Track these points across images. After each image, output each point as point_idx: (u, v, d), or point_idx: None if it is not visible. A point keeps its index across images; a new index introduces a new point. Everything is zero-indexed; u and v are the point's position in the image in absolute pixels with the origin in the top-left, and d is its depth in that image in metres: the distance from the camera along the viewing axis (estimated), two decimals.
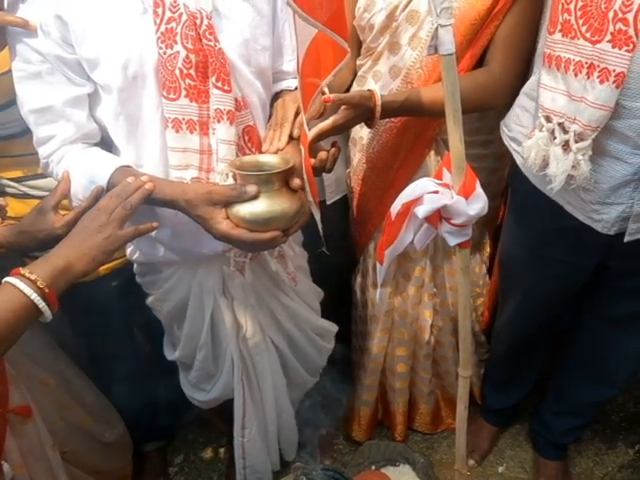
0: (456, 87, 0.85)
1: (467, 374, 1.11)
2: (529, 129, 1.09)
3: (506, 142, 1.22)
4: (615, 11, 0.86)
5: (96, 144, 1.05)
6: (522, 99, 1.16)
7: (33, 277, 0.75)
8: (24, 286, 0.75)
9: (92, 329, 1.36)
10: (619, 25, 0.86)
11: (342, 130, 1.14)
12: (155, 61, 0.94)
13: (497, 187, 1.48)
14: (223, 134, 0.99)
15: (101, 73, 0.95)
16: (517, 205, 1.29)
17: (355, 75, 1.41)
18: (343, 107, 1.10)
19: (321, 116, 1.11)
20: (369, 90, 1.15)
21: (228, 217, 0.93)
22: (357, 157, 1.47)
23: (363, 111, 1.13)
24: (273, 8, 1.08)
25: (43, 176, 1.13)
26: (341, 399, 1.71)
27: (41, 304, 0.76)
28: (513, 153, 1.19)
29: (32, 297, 0.75)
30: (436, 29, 0.80)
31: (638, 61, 0.88)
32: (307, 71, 0.99)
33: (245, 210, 0.92)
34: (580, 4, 0.90)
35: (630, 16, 0.85)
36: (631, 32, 0.86)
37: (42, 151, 1.02)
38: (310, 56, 0.98)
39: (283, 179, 0.95)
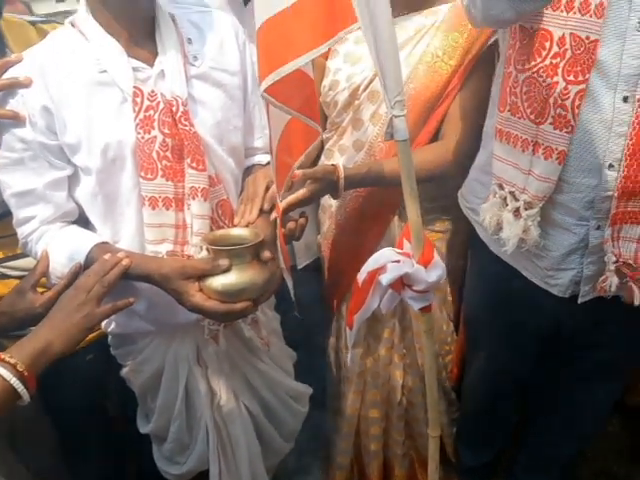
0: (411, 169, 0.93)
1: (436, 434, 1.13)
2: (485, 197, 1.19)
3: (465, 212, 1.30)
4: (555, 97, 0.96)
5: (74, 221, 1.08)
6: (477, 173, 1.25)
7: (13, 361, 0.77)
8: (4, 370, 0.76)
9: (64, 403, 1.34)
10: (559, 110, 0.97)
11: (309, 202, 1.21)
12: (133, 145, 1.00)
13: (460, 248, 1.56)
14: (198, 210, 1.05)
15: (82, 157, 1.00)
16: (477, 269, 1.36)
17: (322, 148, 1.51)
18: (309, 181, 1.18)
19: (289, 189, 1.18)
20: (332, 164, 1.24)
21: (201, 289, 0.98)
22: (327, 223, 1.54)
23: (328, 184, 1.20)
24: (244, 92, 1.17)
25: (22, 256, 1.16)
26: (316, 463, 1.69)
27: (20, 388, 0.77)
28: (472, 222, 1.28)
29: (12, 382, 0.76)
30: (391, 119, 0.88)
31: (577, 142, 0.98)
32: (282, 152, 1.06)
33: (217, 282, 0.97)
34: (525, 89, 1.01)
35: (568, 102, 0.96)
36: (569, 117, 0.96)
37: (21, 231, 1.05)
38: (284, 138, 1.06)
39: (254, 252, 1.01)
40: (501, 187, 1.10)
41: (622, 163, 0.95)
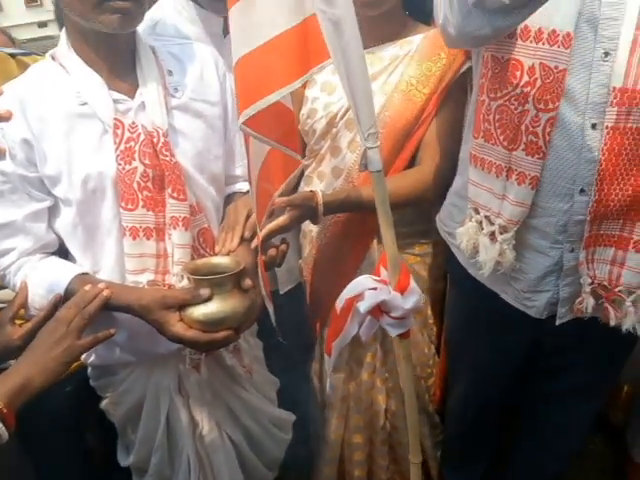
0: (385, 198, 0.96)
1: (418, 460, 1.14)
2: (462, 221, 1.21)
3: (443, 236, 1.33)
4: (526, 125, 1.00)
5: (54, 252, 1.07)
6: (454, 198, 1.28)
7: None
8: None
9: (42, 436, 1.31)
10: (531, 137, 1.00)
11: (290, 229, 1.23)
12: (114, 176, 1.01)
13: (439, 271, 1.59)
14: (179, 239, 1.05)
15: (62, 188, 1.00)
16: (456, 292, 1.38)
17: (301, 174, 1.53)
18: (288, 208, 1.19)
19: (270, 217, 1.19)
20: (311, 191, 1.26)
21: (182, 319, 0.98)
22: (307, 248, 1.55)
23: (307, 210, 1.22)
24: (224, 121, 1.19)
25: (0, 288, 1.14)
26: None
27: None
28: (451, 246, 1.30)
29: None
30: (364, 150, 0.91)
31: (549, 167, 1.02)
32: (263, 180, 1.08)
33: (198, 312, 0.97)
34: (498, 117, 1.04)
35: (539, 129, 0.99)
36: (541, 143, 1.00)
37: (0, 263, 1.04)
38: (265, 167, 1.08)
39: (235, 280, 1.02)
40: (477, 211, 1.13)
41: (593, 188, 0.99)
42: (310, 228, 1.52)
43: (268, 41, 0.85)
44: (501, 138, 1.03)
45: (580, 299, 1.07)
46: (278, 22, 0.85)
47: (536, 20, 0.92)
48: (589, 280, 1.05)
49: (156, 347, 1.09)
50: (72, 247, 1.06)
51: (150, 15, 1.29)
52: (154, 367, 1.16)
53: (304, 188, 1.50)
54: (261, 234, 1.12)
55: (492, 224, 1.09)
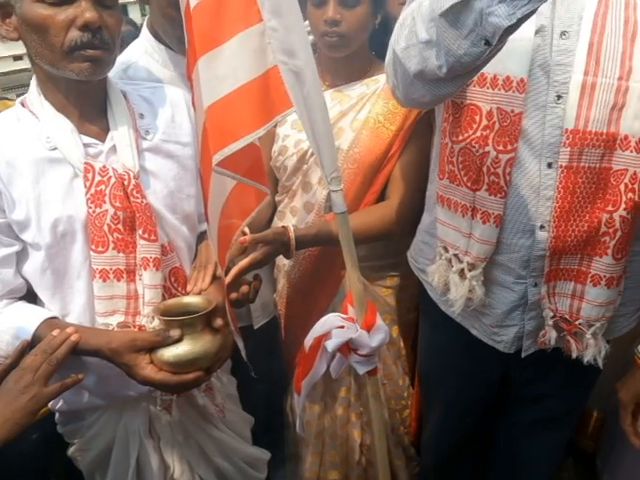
0: (350, 239, 0.99)
1: None
2: (432, 259, 1.24)
3: (415, 272, 1.35)
4: (488, 166, 1.04)
5: (21, 297, 1.06)
6: (424, 235, 1.31)
7: None
8: None
9: None
10: (492, 177, 1.04)
11: (262, 265, 1.24)
12: (84, 219, 1.01)
13: (410, 303, 1.61)
14: (149, 280, 1.05)
15: (31, 233, 0.99)
16: (428, 324, 1.40)
17: (275, 209, 1.55)
18: (260, 245, 1.21)
19: (243, 253, 1.20)
20: (283, 226, 1.28)
21: (152, 361, 0.98)
22: (281, 282, 1.56)
23: (279, 246, 1.24)
24: (196, 161, 1.20)
25: None
26: None
27: None
28: (422, 282, 1.32)
29: None
30: (329, 194, 0.94)
31: (511, 206, 1.06)
32: (226, 218, 1.09)
33: (169, 354, 0.97)
34: (461, 159, 1.08)
35: (500, 170, 1.03)
36: (502, 183, 1.04)
37: None
38: (228, 206, 1.09)
39: (206, 320, 1.02)
40: (446, 249, 1.16)
41: (551, 224, 1.03)
42: (284, 262, 1.54)
43: (231, 92, 0.87)
44: (465, 179, 1.07)
45: (543, 332, 1.10)
46: (239, 75, 0.88)
47: (491, 68, 0.97)
48: (551, 313, 1.08)
49: (126, 390, 1.08)
50: (40, 291, 1.04)
51: (122, 59, 1.31)
52: (124, 410, 1.14)
53: (277, 223, 1.52)
54: (232, 271, 1.13)
55: (461, 262, 1.12)
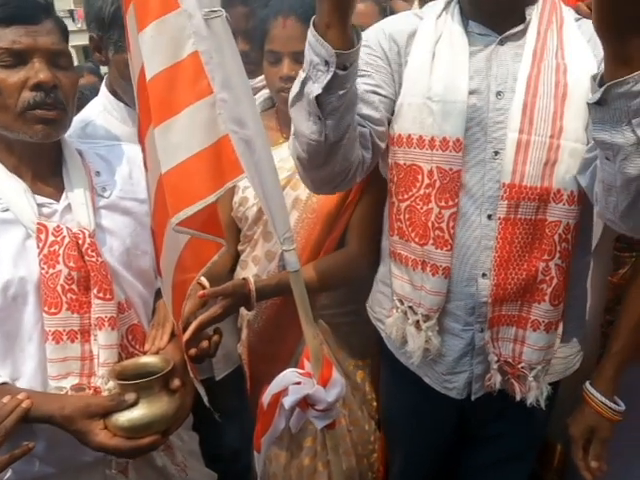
0: (304, 297, 1.02)
1: None
2: (388, 309, 1.27)
3: (373, 322, 1.38)
4: (432, 222, 1.09)
5: None
6: (380, 285, 1.34)
7: None
8: None
9: None
10: (437, 232, 1.09)
11: (223, 318, 1.25)
12: (37, 280, 1.00)
13: (374, 347, 1.63)
14: (104, 340, 1.04)
15: None
16: (387, 371, 1.42)
17: (237, 259, 1.56)
18: (220, 298, 1.22)
19: (203, 306, 1.21)
20: (243, 278, 1.29)
21: (106, 427, 0.96)
22: (245, 332, 1.56)
23: (239, 298, 1.25)
24: None
25: None
26: None
27: None
28: (380, 331, 1.35)
29: None
30: (281, 253, 0.97)
31: (456, 257, 1.11)
32: (180, 273, 1.09)
33: (123, 418, 0.95)
34: (407, 216, 1.13)
35: (444, 225, 1.08)
36: (447, 237, 1.09)
37: None
38: (182, 260, 1.10)
39: (163, 381, 1.01)
40: (401, 302, 1.20)
41: (492, 273, 1.08)
42: (246, 312, 1.54)
43: (185, 160, 0.91)
44: (413, 235, 1.12)
45: (489, 376, 1.14)
46: (192, 144, 0.92)
47: (429, 131, 1.05)
48: (495, 358, 1.13)
49: (80, 455, 1.05)
50: None
51: (80, 116, 1.34)
52: (78, 475, 1.10)
53: (240, 272, 1.53)
54: (192, 327, 1.13)
55: (416, 313, 1.16)
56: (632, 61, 0.72)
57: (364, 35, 1.19)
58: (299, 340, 1.50)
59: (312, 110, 0.91)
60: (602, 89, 0.76)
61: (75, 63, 1.17)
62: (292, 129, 1.01)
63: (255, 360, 1.57)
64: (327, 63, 0.86)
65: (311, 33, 0.88)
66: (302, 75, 0.92)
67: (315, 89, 0.88)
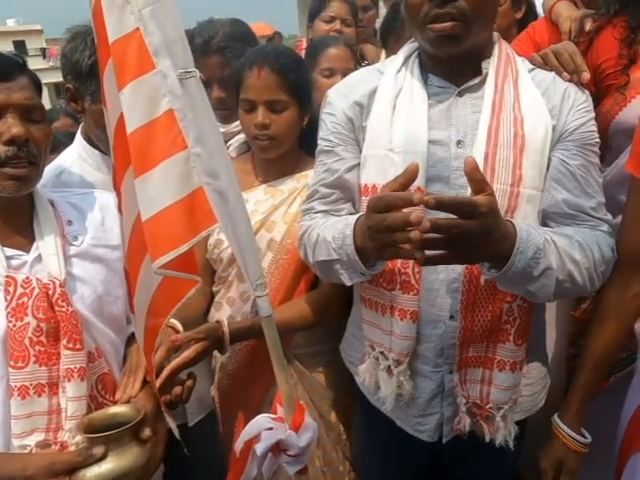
0: (277, 342, 1.03)
1: None
2: (361, 354, 1.28)
3: (347, 365, 1.39)
4: (398, 268, 1.12)
5: None
6: (353, 329, 1.36)
7: None
8: None
9: None
10: (403, 277, 1.11)
11: (196, 362, 1.24)
12: (3, 334, 0.99)
13: (349, 386, 1.63)
14: (73, 392, 1.03)
15: None
16: (361, 411, 1.42)
17: (211, 300, 1.56)
18: (193, 342, 1.22)
19: (177, 350, 1.20)
20: (217, 321, 1.29)
21: None
22: (218, 375, 1.55)
23: (213, 341, 1.25)
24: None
25: None
26: None
27: None
28: (353, 374, 1.36)
29: None
30: (254, 299, 0.98)
31: (423, 300, 1.13)
32: (151, 316, 1.09)
33: (91, 474, 0.93)
34: None
35: (409, 270, 1.11)
36: (413, 282, 1.11)
37: None
38: (154, 302, 1.10)
39: (133, 432, 0.99)
40: (373, 348, 1.21)
41: (459, 315, 1.10)
42: (220, 354, 1.54)
43: (161, 210, 0.94)
44: (381, 280, 1.14)
45: (458, 418, 1.16)
46: (167, 197, 0.95)
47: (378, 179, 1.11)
48: (464, 400, 1.14)
49: None
50: None
51: (55, 164, 1.35)
52: None
53: (214, 314, 1.53)
54: (165, 372, 1.12)
55: (387, 359, 1.17)
56: None
57: (329, 96, 1.25)
58: (272, 383, 1.50)
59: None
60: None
61: (47, 100, 1.19)
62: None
63: (227, 403, 1.56)
64: (362, 275, 1.08)
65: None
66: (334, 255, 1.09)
67: (347, 279, 1.11)
